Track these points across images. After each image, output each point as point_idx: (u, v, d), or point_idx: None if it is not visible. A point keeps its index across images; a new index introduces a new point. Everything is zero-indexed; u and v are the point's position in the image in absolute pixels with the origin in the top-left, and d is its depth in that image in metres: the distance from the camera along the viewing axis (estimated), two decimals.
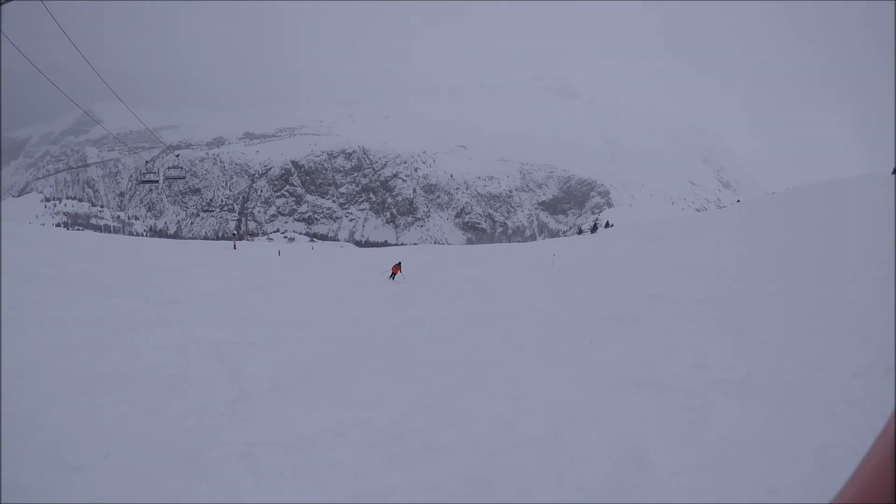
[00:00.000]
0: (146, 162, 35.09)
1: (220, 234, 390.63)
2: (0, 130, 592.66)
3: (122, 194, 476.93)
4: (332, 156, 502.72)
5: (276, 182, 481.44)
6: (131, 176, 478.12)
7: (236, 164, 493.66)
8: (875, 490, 0.94)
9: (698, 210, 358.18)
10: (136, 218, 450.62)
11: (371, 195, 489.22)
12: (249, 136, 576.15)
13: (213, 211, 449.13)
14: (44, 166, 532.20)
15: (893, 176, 55.51)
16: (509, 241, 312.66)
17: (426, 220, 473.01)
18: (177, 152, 33.56)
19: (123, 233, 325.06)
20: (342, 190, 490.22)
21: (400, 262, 36.34)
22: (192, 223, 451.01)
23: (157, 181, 34.28)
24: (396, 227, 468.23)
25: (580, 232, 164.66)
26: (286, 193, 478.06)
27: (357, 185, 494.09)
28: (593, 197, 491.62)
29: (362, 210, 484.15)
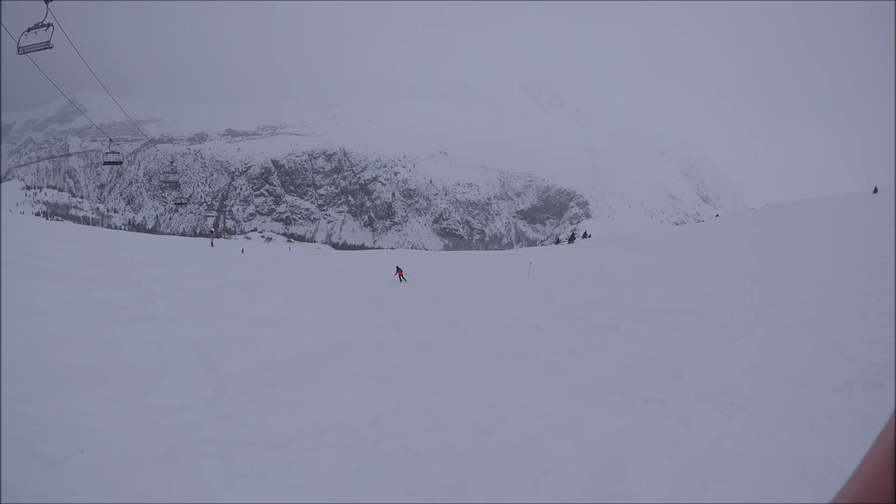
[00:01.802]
0: (110, 141, 33.69)
1: (198, 231, 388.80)
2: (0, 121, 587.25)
3: (102, 186, 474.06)
4: (312, 156, 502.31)
5: (255, 181, 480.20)
6: (112, 168, 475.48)
7: (217, 160, 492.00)
8: (875, 490, 0.92)
9: (677, 223, 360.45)
10: (115, 211, 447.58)
11: (350, 198, 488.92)
12: (231, 133, 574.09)
13: (186, 204, 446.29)
14: (26, 153, 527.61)
15: (874, 194, 56.22)
16: (486, 249, 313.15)
17: (404, 224, 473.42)
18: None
19: (102, 225, 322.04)
20: (321, 191, 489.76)
21: (398, 267, 38.99)
22: (170, 218, 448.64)
23: (121, 162, 33.31)
24: (374, 230, 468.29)
25: (557, 241, 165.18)
26: (265, 193, 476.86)
27: (336, 188, 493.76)
28: (572, 207, 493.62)
29: (340, 212, 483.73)
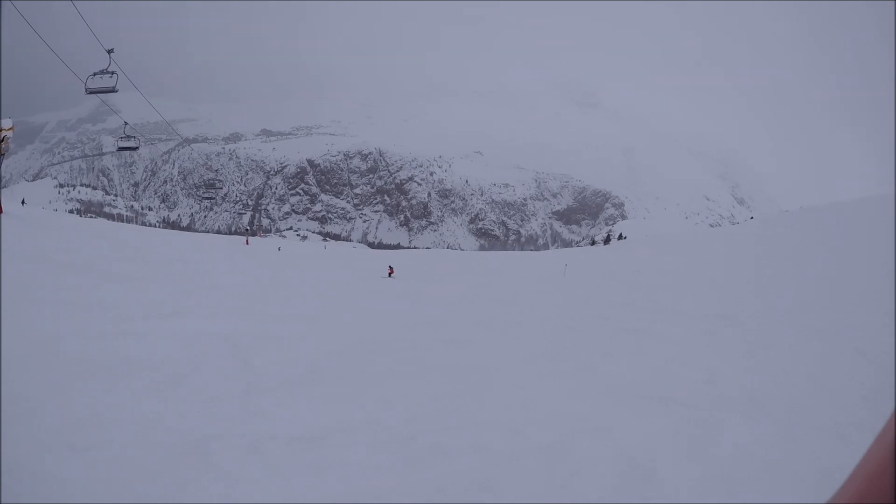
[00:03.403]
0: (125, 124, 32.48)
1: (234, 229, 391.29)
2: None
3: (136, 184, 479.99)
4: (348, 156, 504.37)
5: (291, 180, 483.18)
6: (146, 167, 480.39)
7: (252, 160, 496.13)
8: (875, 490, 0.93)
9: (712, 226, 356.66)
10: (150, 209, 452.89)
11: (386, 197, 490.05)
12: (266, 133, 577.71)
13: (214, 199, 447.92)
14: (59, 152, 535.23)
15: None
16: (522, 250, 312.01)
17: (440, 224, 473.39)
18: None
19: (136, 223, 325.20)
20: (357, 191, 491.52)
21: (391, 265, 41.60)
22: (205, 217, 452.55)
23: (137, 147, 33.19)
24: (410, 230, 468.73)
25: (593, 243, 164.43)
26: (301, 192, 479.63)
27: (372, 187, 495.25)
28: (607, 208, 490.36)
29: (376, 212, 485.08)
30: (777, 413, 7.91)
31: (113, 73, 24.44)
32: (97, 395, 7.59)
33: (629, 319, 17.72)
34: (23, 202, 53.01)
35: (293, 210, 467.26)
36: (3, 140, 23.76)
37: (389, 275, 38.96)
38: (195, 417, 7.33)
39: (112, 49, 24.12)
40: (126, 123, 30.76)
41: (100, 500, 4.89)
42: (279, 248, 70.17)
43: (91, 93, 24.73)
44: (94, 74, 24.44)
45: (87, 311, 12.51)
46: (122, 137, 32.58)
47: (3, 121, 24.08)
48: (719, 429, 7.39)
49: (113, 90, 25.10)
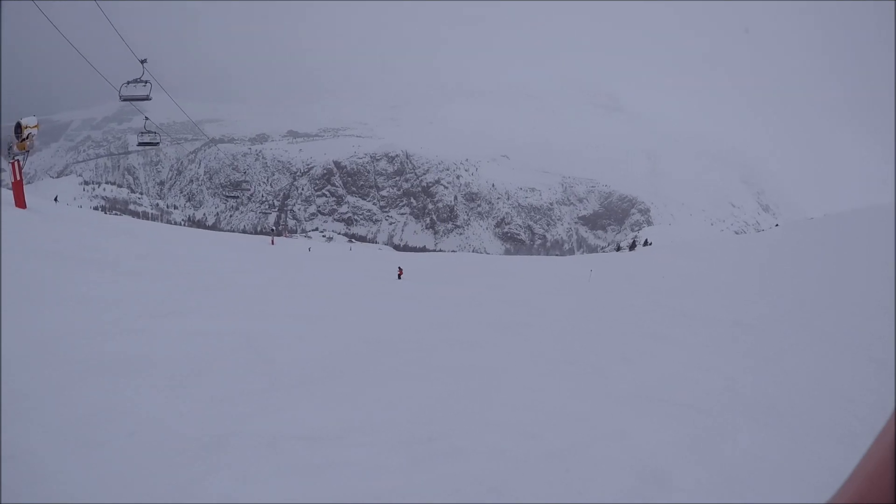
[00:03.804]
0: (146, 119, 32.07)
1: (259, 229, 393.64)
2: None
3: (161, 183, 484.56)
4: (374, 158, 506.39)
5: (317, 181, 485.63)
6: (172, 166, 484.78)
7: (279, 161, 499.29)
8: (875, 490, 0.94)
9: (737, 233, 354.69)
10: (175, 207, 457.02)
11: (412, 200, 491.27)
12: (293, 135, 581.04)
13: (238, 198, 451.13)
14: (84, 150, 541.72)
15: None
16: (547, 254, 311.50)
17: (466, 228, 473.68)
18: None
19: (161, 221, 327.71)
20: (383, 193, 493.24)
21: (400, 266, 43.20)
22: (230, 216, 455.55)
23: (158, 143, 32.88)
24: (436, 233, 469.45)
25: (618, 249, 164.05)
26: (327, 193, 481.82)
27: (398, 189, 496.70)
28: (633, 214, 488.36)
29: (402, 214, 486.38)
30: (791, 421, 7.86)
31: (147, 82, 25.00)
32: (111, 390, 7.60)
33: (648, 324, 17.65)
34: (55, 199, 53.51)
35: (319, 211, 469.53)
36: (27, 137, 24.02)
37: (399, 276, 39.67)
38: (210, 415, 7.34)
39: (145, 59, 24.52)
40: (147, 118, 30.62)
41: (111, 495, 5.01)
42: (309, 249, 70.63)
43: (125, 100, 25.26)
44: (129, 83, 24.98)
45: (106, 306, 12.55)
46: (142, 132, 32.43)
47: (27, 119, 24.34)
48: (733, 435, 7.37)
49: (146, 98, 25.74)
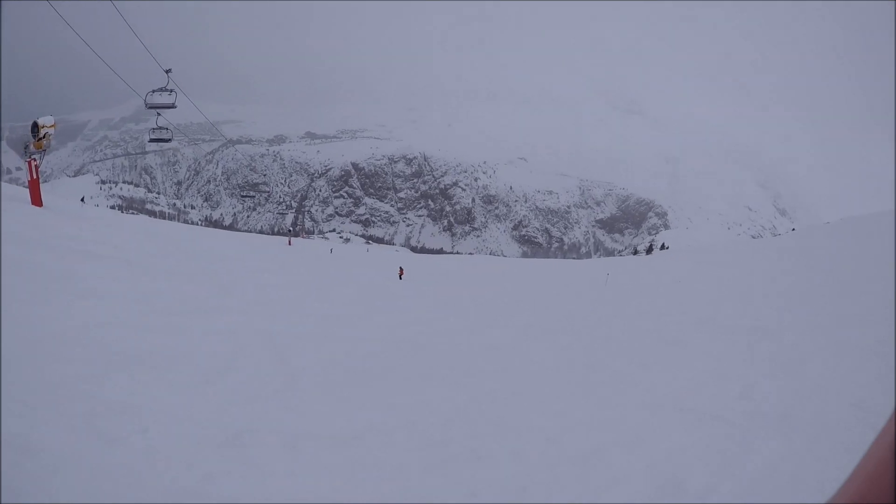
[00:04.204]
0: (158, 115, 29.09)
1: (276, 230, 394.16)
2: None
3: (179, 183, 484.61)
4: (392, 160, 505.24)
5: (335, 182, 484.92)
6: (190, 166, 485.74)
7: (296, 162, 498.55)
8: (875, 490, 0.93)
9: (753, 237, 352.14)
10: (193, 207, 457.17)
11: (430, 202, 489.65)
12: (311, 136, 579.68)
13: (253, 197, 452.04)
14: (101, 150, 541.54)
15: None
16: (564, 257, 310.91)
17: (483, 230, 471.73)
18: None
19: (178, 220, 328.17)
20: (401, 195, 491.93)
21: (401, 267, 44.13)
22: (248, 217, 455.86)
23: (170, 139, 31.46)
24: (453, 235, 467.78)
25: (635, 252, 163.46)
26: (345, 194, 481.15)
27: (416, 191, 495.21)
28: (650, 217, 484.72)
29: (420, 216, 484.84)
30: (809, 430, 7.85)
31: (171, 90, 25.22)
32: (134, 385, 7.70)
33: (668, 330, 17.58)
34: (82, 200, 53.58)
35: (336, 212, 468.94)
36: (44, 137, 24.25)
37: (400, 276, 40.34)
38: (231, 412, 7.44)
39: (170, 69, 24.80)
40: (159, 114, 30.30)
41: (120, 491, 4.98)
42: (331, 250, 71.03)
43: (151, 108, 25.49)
44: (154, 91, 25.28)
45: (126, 304, 12.61)
46: (154, 129, 31.34)
47: (44, 118, 24.55)
48: (751, 444, 7.38)
49: (172, 106, 25.92)
